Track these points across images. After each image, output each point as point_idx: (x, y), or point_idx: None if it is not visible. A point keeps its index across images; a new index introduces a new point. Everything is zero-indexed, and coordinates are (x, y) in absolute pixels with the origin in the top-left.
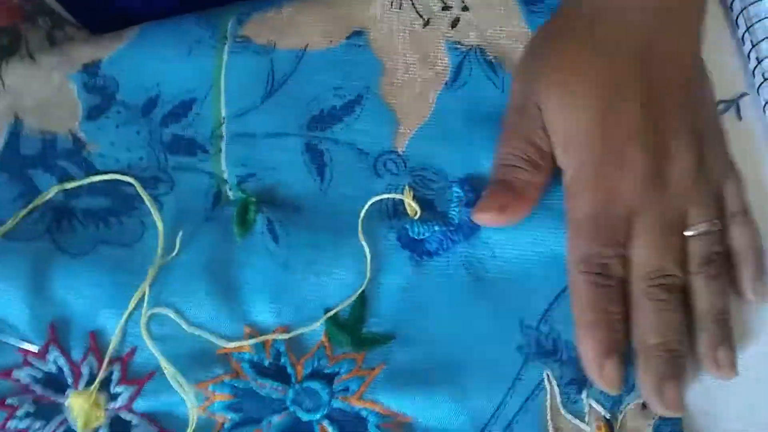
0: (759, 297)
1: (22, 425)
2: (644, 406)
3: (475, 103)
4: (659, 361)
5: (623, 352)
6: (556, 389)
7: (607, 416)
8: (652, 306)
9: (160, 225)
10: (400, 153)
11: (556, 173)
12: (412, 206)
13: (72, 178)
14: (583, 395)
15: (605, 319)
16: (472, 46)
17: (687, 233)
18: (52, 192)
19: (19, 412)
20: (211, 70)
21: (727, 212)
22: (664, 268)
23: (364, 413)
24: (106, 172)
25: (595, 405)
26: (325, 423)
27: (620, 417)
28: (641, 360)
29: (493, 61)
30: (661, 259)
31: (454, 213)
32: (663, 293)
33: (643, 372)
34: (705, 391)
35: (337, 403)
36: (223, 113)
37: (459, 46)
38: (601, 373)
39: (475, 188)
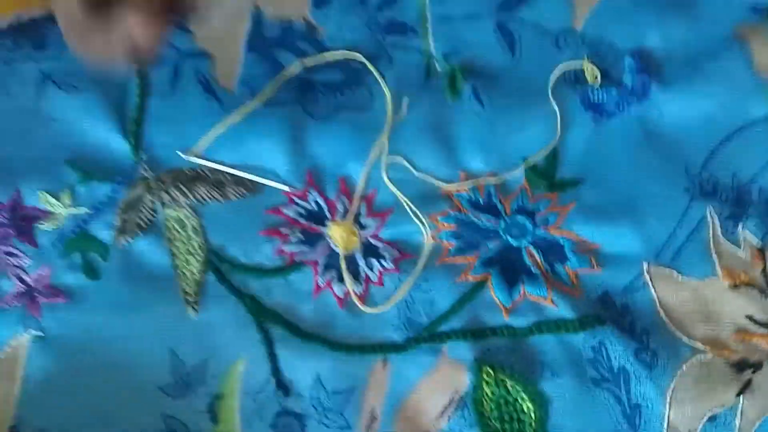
0: None
1: (295, 249)
2: None
3: None
4: None
5: None
6: (717, 223)
7: (759, 245)
8: None
9: (387, 92)
10: (578, 30)
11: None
12: (592, 73)
13: (309, 56)
14: (739, 228)
15: None
16: None
17: None
18: (296, 67)
19: (292, 239)
20: None
21: None
22: None
23: (561, 240)
24: (336, 51)
25: (749, 236)
26: (531, 247)
27: None
28: None
29: None
30: None
31: (627, 79)
32: None
33: None
34: None
35: (539, 232)
36: None
37: None
38: None
39: (643, 58)
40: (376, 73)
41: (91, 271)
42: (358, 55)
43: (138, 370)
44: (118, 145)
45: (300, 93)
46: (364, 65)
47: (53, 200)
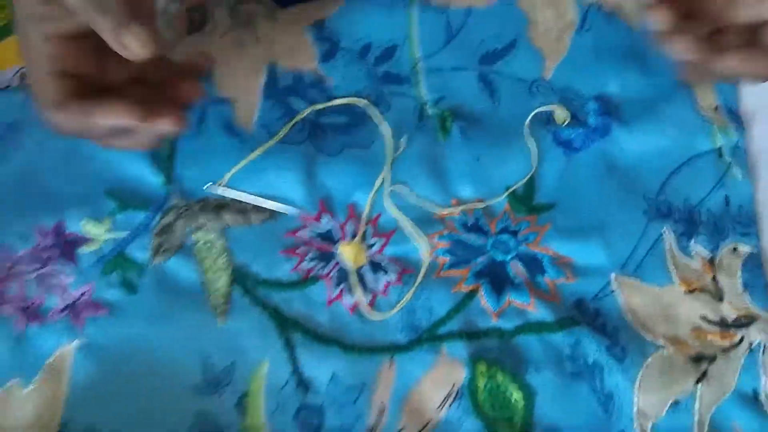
0: None
1: (310, 266)
2: (735, 250)
3: (599, 43)
4: None
5: None
6: (673, 239)
7: (709, 257)
8: None
9: (388, 132)
10: (547, 80)
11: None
12: (561, 115)
13: (316, 103)
14: (691, 243)
15: None
16: (593, 2)
17: None
18: (307, 111)
19: (307, 257)
20: (406, 24)
21: None
22: None
23: (540, 255)
24: (342, 98)
25: (700, 249)
26: (515, 261)
27: (717, 257)
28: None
29: (609, 12)
30: None
31: (591, 120)
32: None
33: None
34: None
35: (521, 248)
36: (417, 55)
37: (582, 1)
38: None
39: (604, 102)
40: (377, 115)
41: (128, 287)
42: (362, 100)
43: (172, 373)
44: (152, 178)
45: (311, 133)
46: (366, 110)
47: (94, 226)
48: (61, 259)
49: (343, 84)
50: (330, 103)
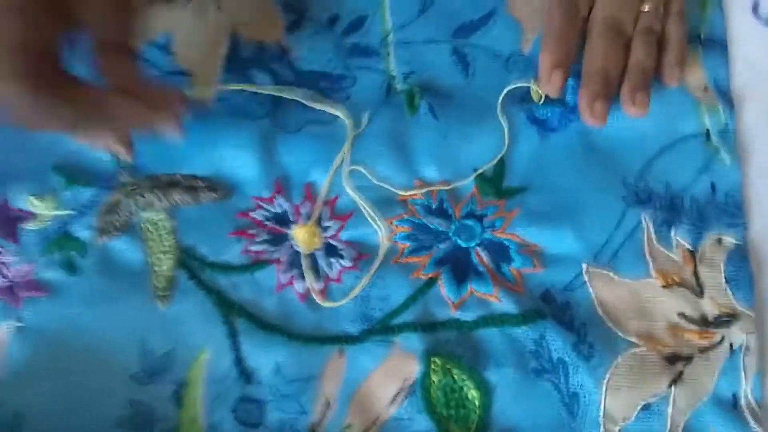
0: (672, 80)
1: (261, 248)
2: (720, 241)
3: None
4: (597, 81)
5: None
6: (651, 228)
7: (690, 248)
8: (604, 41)
9: (342, 111)
10: (525, 54)
11: None
12: (538, 93)
13: (279, 76)
14: (672, 233)
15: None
16: None
17: (642, 9)
18: (270, 89)
19: (258, 239)
20: None
21: (670, 9)
22: (619, 18)
23: (506, 242)
24: (306, 71)
25: (681, 240)
26: (479, 249)
27: (700, 249)
28: (584, 81)
29: None
30: (619, 12)
31: (569, 98)
32: (614, 34)
33: (583, 89)
34: None
35: (486, 235)
36: (389, 26)
37: None
38: (592, 111)
39: None
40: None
41: (70, 267)
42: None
43: (108, 359)
44: (100, 153)
45: (272, 109)
46: (330, 84)
47: (39, 203)
48: (2, 236)
49: (309, 56)
50: (283, 90)
